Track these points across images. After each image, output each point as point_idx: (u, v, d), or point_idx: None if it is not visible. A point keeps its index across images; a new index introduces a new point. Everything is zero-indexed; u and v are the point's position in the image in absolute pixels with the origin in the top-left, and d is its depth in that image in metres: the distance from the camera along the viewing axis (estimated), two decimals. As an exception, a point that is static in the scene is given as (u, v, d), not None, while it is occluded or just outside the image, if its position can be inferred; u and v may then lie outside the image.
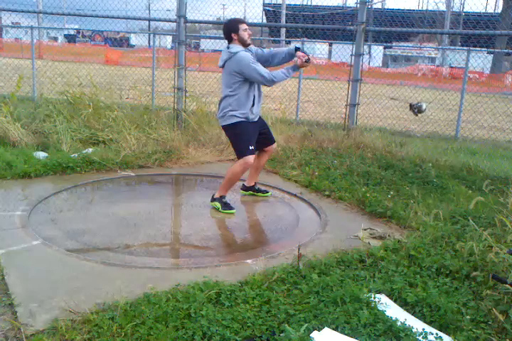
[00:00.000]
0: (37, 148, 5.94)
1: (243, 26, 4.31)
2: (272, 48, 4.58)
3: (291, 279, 3.02)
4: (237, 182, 4.61)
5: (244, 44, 4.32)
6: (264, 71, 4.20)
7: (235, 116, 4.35)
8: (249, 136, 4.42)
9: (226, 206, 4.45)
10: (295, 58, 4.36)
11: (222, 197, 4.51)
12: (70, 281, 2.97)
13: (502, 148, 7.23)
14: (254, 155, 4.44)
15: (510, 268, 2.92)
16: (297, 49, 4.34)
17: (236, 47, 4.29)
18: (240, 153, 4.41)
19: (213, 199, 4.54)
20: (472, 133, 8.78)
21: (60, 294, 2.80)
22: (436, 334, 2.49)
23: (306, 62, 4.27)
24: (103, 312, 2.60)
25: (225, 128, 4.49)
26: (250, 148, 4.37)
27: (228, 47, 4.34)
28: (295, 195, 4.99)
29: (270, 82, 4.24)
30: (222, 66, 4.37)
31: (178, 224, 4.30)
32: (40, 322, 2.52)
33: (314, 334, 2.43)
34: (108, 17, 7.63)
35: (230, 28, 4.32)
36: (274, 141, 4.80)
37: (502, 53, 22.28)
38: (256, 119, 4.49)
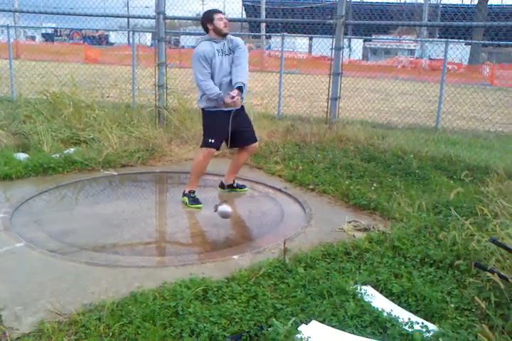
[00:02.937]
0: (17, 149, 5.85)
1: (217, 15, 4.27)
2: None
3: (278, 273, 3.04)
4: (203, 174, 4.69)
5: (220, 33, 4.27)
6: (200, 74, 4.22)
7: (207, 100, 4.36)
8: (214, 128, 4.42)
9: (194, 201, 4.48)
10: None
11: (191, 191, 4.54)
12: (55, 283, 2.95)
13: (482, 138, 7.32)
14: (214, 149, 4.46)
15: (491, 256, 2.97)
16: (239, 87, 4.18)
17: (205, 38, 4.33)
18: (203, 142, 4.49)
19: (183, 194, 4.56)
20: (452, 123, 8.88)
21: (46, 296, 2.78)
22: (422, 323, 2.52)
23: (230, 99, 4.15)
24: (90, 312, 2.58)
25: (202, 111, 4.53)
26: (210, 141, 4.41)
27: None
28: (279, 190, 5.00)
29: (197, 84, 4.30)
30: None
31: (163, 222, 4.29)
32: (25, 325, 2.50)
33: (302, 327, 2.45)
34: (86, 15, 7.54)
35: (205, 19, 4.32)
36: (256, 140, 4.72)
37: (479, 44, 22.52)
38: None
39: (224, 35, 4.29)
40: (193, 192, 4.54)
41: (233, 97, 4.12)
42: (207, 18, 4.29)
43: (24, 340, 2.36)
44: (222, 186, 4.93)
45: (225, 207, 3.93)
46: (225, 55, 4.30)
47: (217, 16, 4.26)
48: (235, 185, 4.91)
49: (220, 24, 4.24)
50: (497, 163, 5.38)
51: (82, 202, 4.58)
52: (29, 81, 8.40)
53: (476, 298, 2.63)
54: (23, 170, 5.05)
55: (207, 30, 4.34)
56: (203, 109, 4.46)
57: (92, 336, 2.38)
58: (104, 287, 2.89)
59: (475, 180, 4.92)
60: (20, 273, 3.08)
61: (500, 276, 2.69)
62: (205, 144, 4.46)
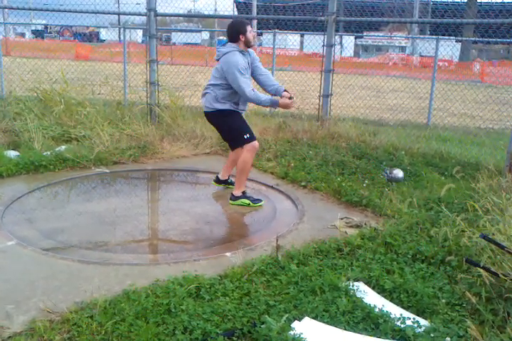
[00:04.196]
0: (8, 147, 5.81)
1: (249, 28, 4.35)
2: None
3: (271, 270, 3.04)
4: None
5: (249, 45, 4.36)
6: (246, 85, 4.21)
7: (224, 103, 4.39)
8: (241, 123, 4.48)
9: (256, 200, 4.52)
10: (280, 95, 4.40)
11: (244, 192, 4.55)
12: (47, 281, 2.94)
13: (472, 135, 7.36)
14: (256, 141, 4.47)
15: (482, 252, 2.99)
16: (285, 90, 4.40)
17: (236, 49, 4.28)
18: (240, 141, 4.45)
19: (236, 198, 4.52)
20: (443, 120, 8.91)
21: (38, 294, 2.77)
22: (414, 318, 2.54)
23: (289, 100, 4.30)
24: (82, 310, 2.57)
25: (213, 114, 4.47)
26: (246, 136, 4.40)
27: (226, 45, 4.37)
28: (271, 187, 5.00)
29: (247, 97, 4.26)
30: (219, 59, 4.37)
31: (155, 220, 4.28)
32: (17, 323, 2.48)
33: (295, 324, 2.46)
34: (76, 11, 7.49)
35: (240, 29, 4.30)
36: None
37: (470, 41, 22.64)
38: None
39: (251, 47, 4.39)
40: (245, 191, 4.57)
41: (290, 97, 4.29)
42: (242, 29, 4.30)
43: (16, 339, 2.34)
44: (217, 181, 4.92)
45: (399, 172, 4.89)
46: (248, 67, 4.38)
47: (249, 28, 4.33)
48: (229, 180, 4.92)
49: (251, 37, 4.32)
50: (487, 160, 5.41)
51: (74, 200, 4.56)
52: (19, 78, 8.32)
53: (467, 293, 2.66)
54: (13, 167, 5.01)
55: (236, 40, 4.31)
56: (219, 111, 4.41)
57: (84, 334, 2.37)
58: (97, 285, 2.88)
59: (466, 176, 4.95)
60: (11, 271, 3.07)
61: (491, 272, 2.72)
62: (245, 141, 4.41)
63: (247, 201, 4.49)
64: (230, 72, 4.20)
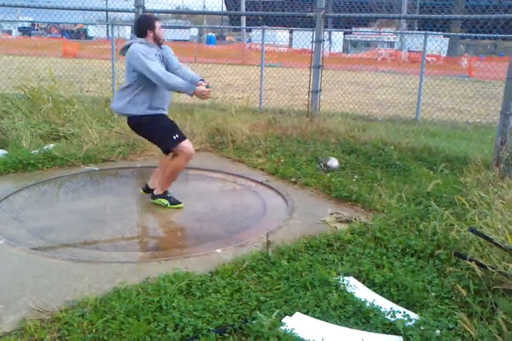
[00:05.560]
0: (-5, 145, 5.76)
1: (159, 24, 4.20)
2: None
3: (261, 266, 3.05)
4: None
5: (159, 41, 4.20)
6: (155, 66, 3.96)
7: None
8: (168, 125, 4.25)
9: (174, 201, 4.34)
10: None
11: (166, 192, 4.37)
12: (36, 280, 2.92)
13: (460, 129, 7.41)
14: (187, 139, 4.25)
15: (471, 245, 3.02)
16: (201, 80, 4.18)
17: (140, 41, 4.13)
18: (169, 143, 4.20)
19: (155, 197, 4.36)
20: (432, 115, 8.96)
21: (27, 294, 2.75)
22: (404, 312, 2.56)
23: (205, 88, 4.05)
24: (73, 309, 2.56)
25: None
26: (175, 137, 4.16)
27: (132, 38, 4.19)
28: (261, 183, 5.01)
29: (163, 82, 3.95)
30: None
31: (145, 218, 4.26)
32: (7, 323, 2.47)
33: (286, 319, 2.47)
34: (64, 8, 7.42)
35: (148, 25, 4.15)
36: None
37: (457, 37, 22.75)
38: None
39: (160, 44, 4.23)
40: (168, 192, 4.39)
41: (207, 86, 4.04)
42: (150, 25, 4.14)
43: (6, 339, 2.33)
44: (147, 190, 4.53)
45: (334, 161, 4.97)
46: (161, 61, 4.19)
47: (158, 25, 4.18)
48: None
49: (160, 33, 4.18)
50: (475, 154, 5.44)
51: (63, 198, 4.54)
52: (6, 76, 8.24)
53: (457, 286, 2.68)
54: (1, 166, 4.97)
55: (144, 35, 4.15)
56: (141, 117, 4.14)
57: (75, 333, 2.37)
58: (87, 283, 2.88)
59: (454, 170, 4.99)
60: (0, 271, 3.04)
61: (479, 264, 2.75)
62: (176, 142, 4.14)
63: (165, 201, 4.33)
64: (135, 57, 4.00)
